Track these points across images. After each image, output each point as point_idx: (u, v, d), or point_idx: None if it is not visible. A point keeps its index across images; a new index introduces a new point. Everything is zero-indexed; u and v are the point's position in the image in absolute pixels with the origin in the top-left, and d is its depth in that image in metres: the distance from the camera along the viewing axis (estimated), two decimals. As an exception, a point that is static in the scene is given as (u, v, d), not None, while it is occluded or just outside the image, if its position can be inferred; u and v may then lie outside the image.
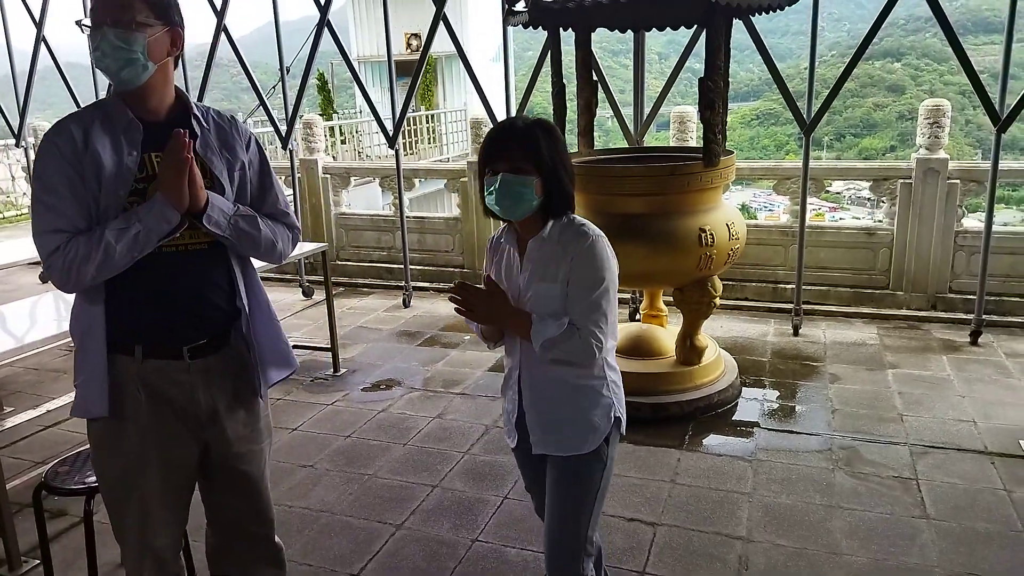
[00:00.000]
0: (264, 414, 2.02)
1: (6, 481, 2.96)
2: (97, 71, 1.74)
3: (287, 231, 1.99)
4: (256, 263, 2.01)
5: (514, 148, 1.77)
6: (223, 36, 5.98)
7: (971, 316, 4.87)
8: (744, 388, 4.25)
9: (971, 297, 4.96)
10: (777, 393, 4.22)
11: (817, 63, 4.71)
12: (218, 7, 5.94)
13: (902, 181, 5.30)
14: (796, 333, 5.09)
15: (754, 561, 2.73)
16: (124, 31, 1.67)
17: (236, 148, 1.87)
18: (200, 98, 6.23)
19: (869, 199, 25.41)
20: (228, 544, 2.05)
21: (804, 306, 5.23)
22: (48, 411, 4.01)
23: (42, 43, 6.61)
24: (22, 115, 7.03)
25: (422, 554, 2.83)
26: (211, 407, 1.87)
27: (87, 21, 1.70)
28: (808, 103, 4.78)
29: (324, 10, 5.72)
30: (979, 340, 4.80)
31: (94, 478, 2.34)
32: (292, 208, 2.04)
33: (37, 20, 6.58)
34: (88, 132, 1.70)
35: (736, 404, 4.07)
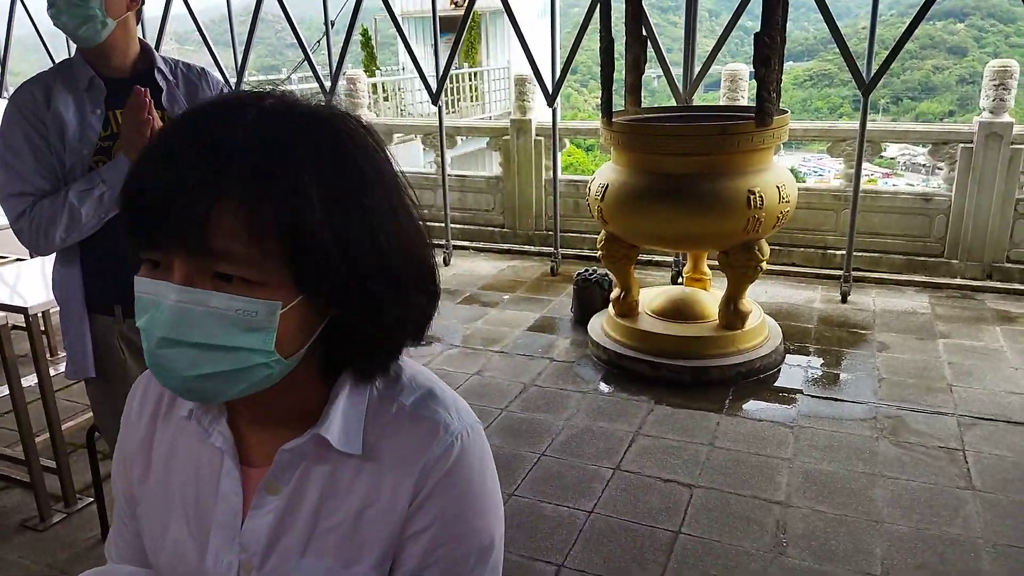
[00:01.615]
0: None
1: (63, 422, 3.09)
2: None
3: None
4: None
5: (210, 200, 0.66)
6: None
7: (1029, 287, 4.69)
8: (788, 354, 4.18)
9: (1030, 267, 4.77)
10: (822, 360, 4.14)
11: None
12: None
13: (963, 145, 5.07)
14: (844, 300, 4.96)
15: (792, 526, 2.71)
16: None
17: None
18: (245, 55, 6.24)
19: (924, 165, 24.50)
20: None
21: (854, 273, 5.09)
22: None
23: (18, 3, 6.63)
24: (1, 70, 7.08)
25: (460, 506, 2.88)
26: None
27: None
28: (868, 62, 4.58)
29: (369, -37, 5.65)
30: (1036, 312, 4.63)
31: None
32: None
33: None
34: (50, 92, 1.70)
35: (779, 370, 4.00)
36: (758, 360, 3.93)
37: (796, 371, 4.00)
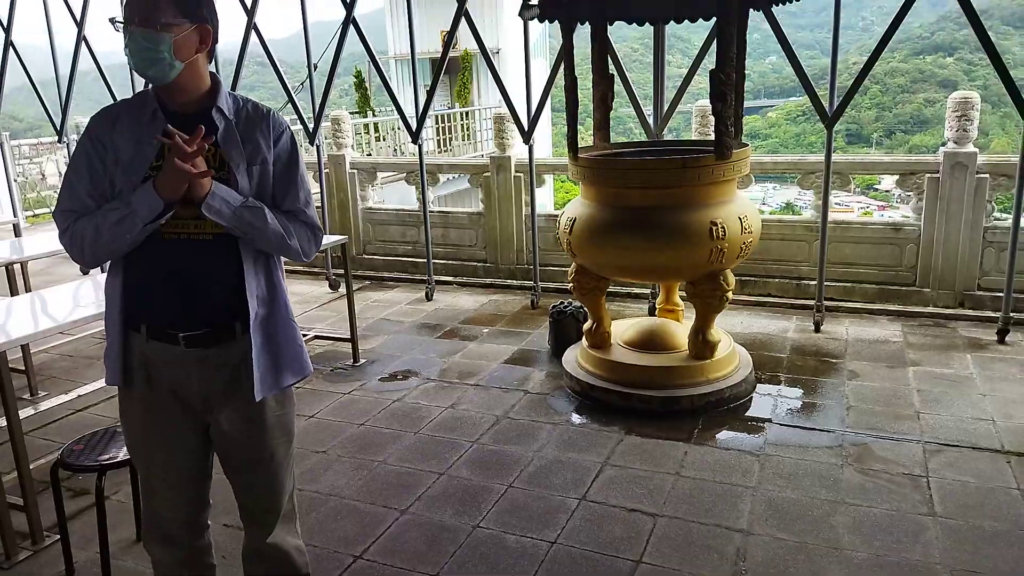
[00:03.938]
0: (275, 412, 1.99)
1: (34, 461, 3.13)
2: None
3: (305, 229, 1.93)
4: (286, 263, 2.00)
5: None
6: (253, 35, 6.13)
7: (999, 314, 4.74)
8: (759, 384, 4.22)
9: (1000, 294, 4.83)
10: (792, 389, 4.17)
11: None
12: (248, 6, 6.09)
13: (929, 175, 5.18)
14: (818, 330, 5.02)
15: (752, 553, 2.72)
16: (151, 31, 1.70)
17: (261, 142, 1.86)
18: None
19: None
20: (245, 522, 2.08)
21: (827, 303, 5.16)
22: (79, 395, 4.19)
23: (83, 43, 6.86)
24: (64, 112, 7.30)
25: (423, 538, 2.90)
26: (205, 397, 1.90)
27: (120, 19, 1.76)
28: (831, 96, 4.71)
29: (349, 9, 5.83)
30: (1006, 338, 4.67)
31: (107, 456, 2.46)
32: (314, 207, 2.00)
33: (78, 20, 6.82)
34: (117, 120, 1.81)
35: (749, 399, 4.04)
36: (728, 389, 3.97)
37: (766, 400, 4.04)
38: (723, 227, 3.70)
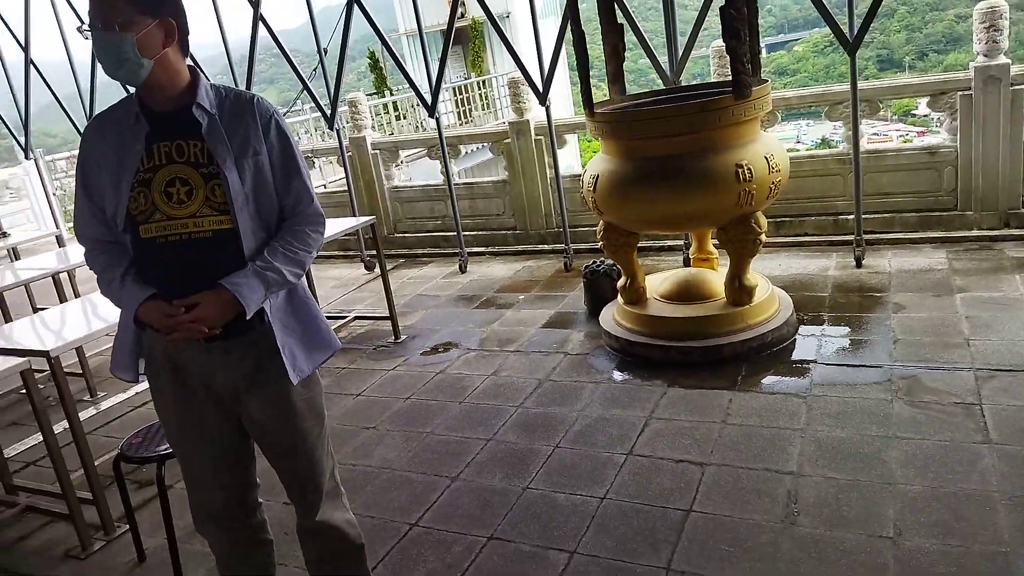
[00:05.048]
0: (303, 396, 1.98)
1: (99, 457, 3.28)
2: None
3: (312, 232, 1.93)
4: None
5: None
6: (263, 28, 6.14)
7: (1049, 231, 4.58)
8: (801, 325, 4.16)
9: (1048, 210, 4.65)
10: (836, 328, 4.11)
11: None
12: (255, -3, 6.09)
13: (961, 93, 4.98)
14: (859, 265, 4.91)
15: (803, 495, 2.71)
16: (111, 33, 1.69)
17: (250, 133, 1.82)
18: (248, 86, 6.43)
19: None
20: (294, 503, 2.12)
21: (867, 236, 5.03)
22: (136, 392, 4.35)
23: (79, 31, 6.93)
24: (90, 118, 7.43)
25: (476, 503, 2.95)
26: (232, 387, 1.91)
27: (85, 26, 1.75)
28: (850, 21, 4.53)
29: (354, -13, 5.79)
30: (1058, 256, 4.52)
31: (164, 447, 2.56)
32: (313, 190, 1.99)
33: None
34: (104, 128, 1.83)
35: (792, 342, 3.99)
36: (769, 334, 3.92)
37: (810, 341, 3.98)
38: (749, 168, 3.62)
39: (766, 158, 3.69)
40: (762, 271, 4.39)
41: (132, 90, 1.85)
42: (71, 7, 6.74)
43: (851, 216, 5.19)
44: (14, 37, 7.05)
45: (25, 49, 7.14)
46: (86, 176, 1.86)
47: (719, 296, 4.09)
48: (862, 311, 4.26)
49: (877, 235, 5.22)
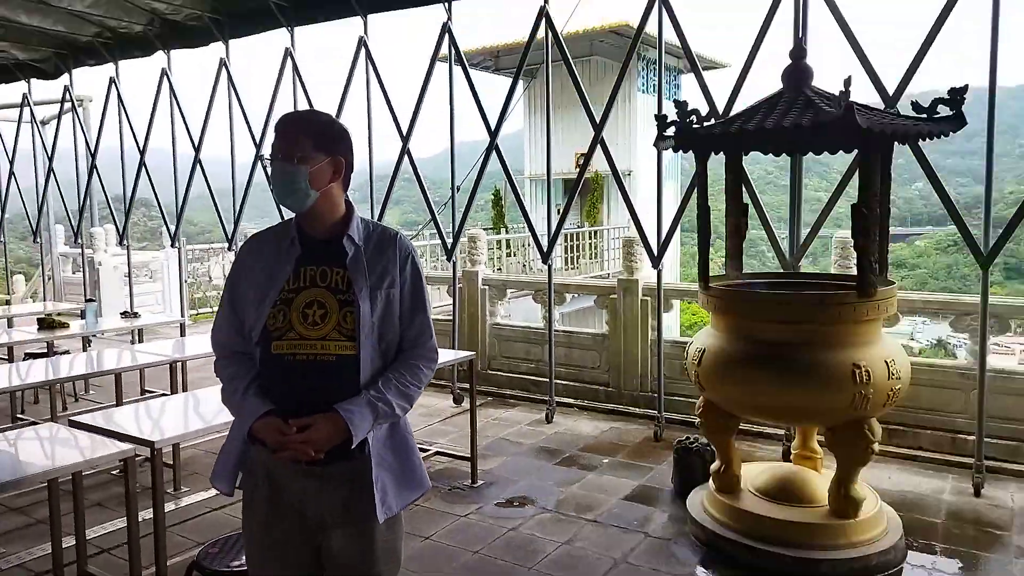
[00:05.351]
0: (385, 537, 1.99)
1: (170, 557, 3.29)
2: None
3: (424, 368, 2.04)
4: None
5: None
6: (407, 157, 6.63)
7: None
8: (910, 551, 3.80)
9: None
10: (949, 561, 3.72)
11: (1004, 186, 4.36)
12: (404, 133, 6.61)
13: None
14: (977, 494, 4.50)
15: None
16: (288, 164, 1.90)
17: (389, 266, 1.96)
18: (383, 208, 6.88)
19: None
20: None
21: (988, 462, 4.63)
22: (217, 494, 4.40)
23: (259, 161, 7.67)
24: (236, 222, 8.10)
25: None
26: (319, 517, 1.94)
27: (268, 156, 1.98)
28: (985, 233, 4.43)
29: (493, 135, 6.21)
30: None
31: (239, 562, 2.55)
32: (432, 327, 2.10)
33: (257, 141, 7.63)
34: (264, 244, 2.01)
35: (899, 570, 3.63)
36: (875, 556, 3.59)
37: (919, 573, 3.61)
38: (867, 371, 3.47)
39: (887, 362, 3.53)
40: (870, 481, 4.09)
41: (290, 214, 2.02)
42: (243, 115, 7.48)
43: (971, 437, 4.82)
44: (190, 137, 7.87)
45: (197, 149, 7.96)
46: (234, 288, 2.02)
47: (821, 502, 3.82)
48: (978, 548, 3.86)
49: (999, 463, 4.80)
